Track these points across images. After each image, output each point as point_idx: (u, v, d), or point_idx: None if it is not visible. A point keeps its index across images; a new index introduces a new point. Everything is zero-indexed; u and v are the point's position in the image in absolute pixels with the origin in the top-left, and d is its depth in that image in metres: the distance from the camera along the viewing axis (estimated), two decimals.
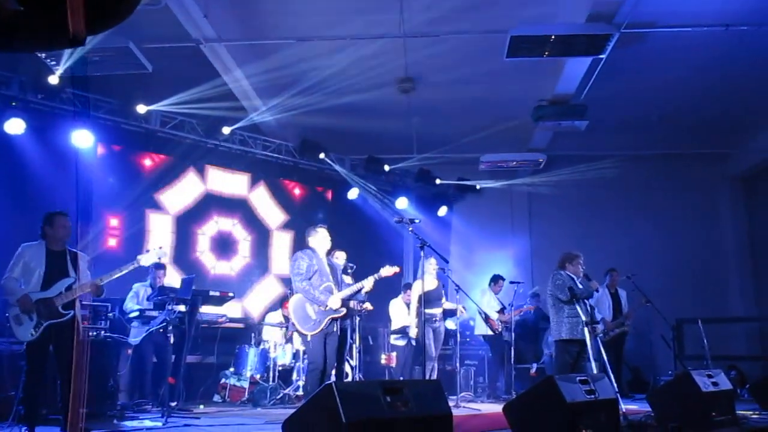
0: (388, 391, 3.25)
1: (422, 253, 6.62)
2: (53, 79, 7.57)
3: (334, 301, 5.95)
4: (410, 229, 6.66)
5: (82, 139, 7.76)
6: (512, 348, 8.59)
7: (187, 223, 9.55)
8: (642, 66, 8.62)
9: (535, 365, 9.72)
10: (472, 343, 10.01)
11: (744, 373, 9.84)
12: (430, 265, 7.56)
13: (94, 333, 6.57)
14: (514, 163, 11.21)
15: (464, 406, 7.45)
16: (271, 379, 8.06)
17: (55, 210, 5.32)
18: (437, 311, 7.60)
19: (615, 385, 5.52)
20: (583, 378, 4.26)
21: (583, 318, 6.56)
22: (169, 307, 6.57)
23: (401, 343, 8.81)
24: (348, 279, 6.89)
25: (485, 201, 12.06)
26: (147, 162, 9.21)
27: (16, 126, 7.31)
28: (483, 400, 8.80)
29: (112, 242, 8.64)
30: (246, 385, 8.10)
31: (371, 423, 3.10)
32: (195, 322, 6.78)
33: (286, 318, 8.42)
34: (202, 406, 7.49)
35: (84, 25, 1.65)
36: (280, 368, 8.25)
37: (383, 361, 9.43)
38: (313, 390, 5.36)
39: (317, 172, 10.80)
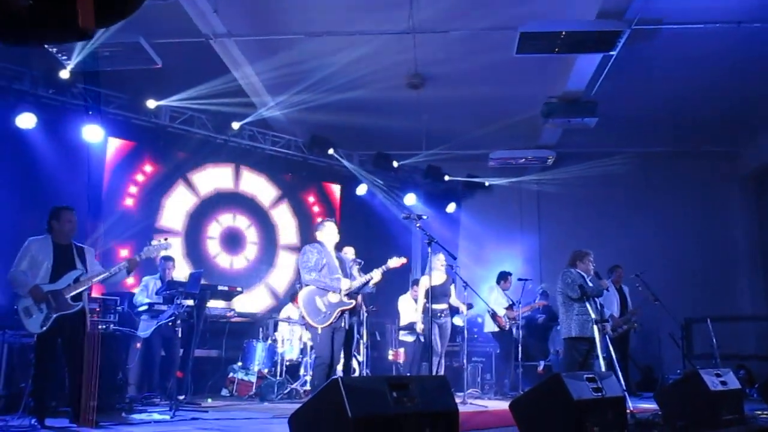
0: (395, 387, 3.25)
1: (429, 250, 6.61)
2: (64, 74, 7.61)
3: (346, 284, 6.02)
4: (418, 225, 6.65)
5: (93, 133, 7.81)
6: (519, 345, 8.56)
7: (197, 218, 9.60)
8: (653, 63, 8.56)
9: (542, 363, 9.70)
10: (479, 340, 10.01)
11: (753, 373, 9.77)
12: (438, 261, 7.56)
13: (104, 326, 6.61)
14: (523, 160, 11.16)
15: (471, 403, 7.44)
16: (278, 373, 8.09)
17: (62, 204, 5.36)
18: (443, 307, 7.60)
19: (623, 383, 5.50)
20: (590, 375, 4.24)
21: (593, 316, 6.53)
22: (178, 302, 6.60)
23: (410, 339, 8.82)
24: (356, 273, 6.90)
25: (494, 198, 12.02)
26: (156, 157, 9.24)
27: (27, 120, 7.38)
28: (490, 396, 8.78)
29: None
30: (254, 379, 8.13)
31: (377, 418, 3.09)
32: (203, 316, 6.80)
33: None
34: (210, 400, 7.52)
35: (93, 18, 1.67)
36: (288, 363, 8.27)
37: (391, 357, 9.45)
38: (320, 384, 5.37)
39: (326, 168, 10.81)
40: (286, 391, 7.88)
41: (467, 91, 9.30)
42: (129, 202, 8.87)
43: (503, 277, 9.58)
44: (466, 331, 8.16)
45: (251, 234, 10.21)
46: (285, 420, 3.34)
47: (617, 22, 7.08)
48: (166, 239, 5.81)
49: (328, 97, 8.77)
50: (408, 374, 8.19)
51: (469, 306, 8.91)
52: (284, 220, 10.63)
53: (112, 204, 8.59)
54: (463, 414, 3.71)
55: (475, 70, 8.62)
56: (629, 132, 10.87)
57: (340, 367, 6.32)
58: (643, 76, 8.94)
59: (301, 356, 8.30)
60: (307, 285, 6.06)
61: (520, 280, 9.16)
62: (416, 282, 8.71)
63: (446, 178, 11.42)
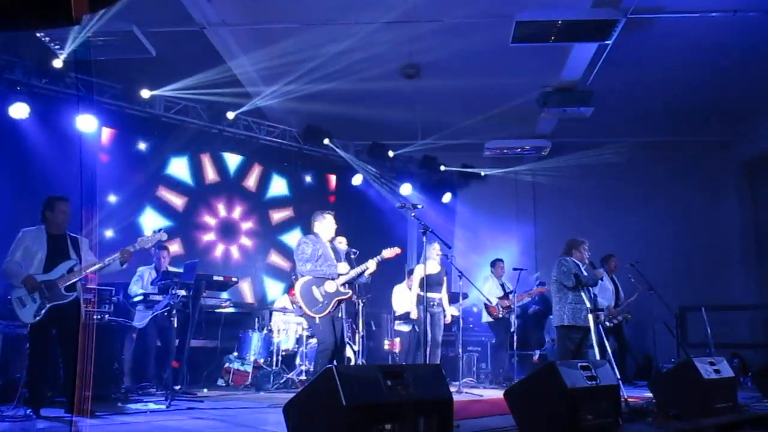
0: (389, 375, 3.26)
1: (425, 239, 6.61)
2: (57, 64, 7.56)
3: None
4: (413, 214, 6.65)
5: (86, 123, 7.77)
6: (514, 334, 8.59)
7: (192, 207, 9.58)
8: (648, 52, 8.54)
9: (537, 352, 9.74)
10: (474, 329, 10.04)
11: (747, 361, 9.82)
12: (434, 250, 7.56)
13: (99, 317, 6.60)
14: (519, 149, 11.16)
15: (466, 392, 7.48)
16: (274, 363, 8.10)
17: (55, 195, 5.33)
18: (437, 296, 7.61)
19: (617, 371, 5.53)
20: (584, 364, 4.26)
21: (588, 305, 6.55)
22: (173, 292, 6.59)
23: (405, 328, 8.84)
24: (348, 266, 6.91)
25: (490, 188, 12.03)
26: (151, 145, 9.18)
27: (20, 110, 7.33)
28: (485, 385, 8.82)
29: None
30: (249, 369, 8.15)
31: (371, 406, 3.10)
32: (198, 306, 6.79)
33: (293, 303, 8.43)
34: (205, 390, 7.53)
35: (86, 3, 1.65)
36: (284, 353, 8.28)
37: (386, 347, 9.47)
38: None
39: (321, 158, 10.78)
40: (281, 381, 7.90)
41: (462, 80, 9.27)
42: (123, 192, 8.81)
43: (494, 264, 9.59)
44: (461, 321, 8.18)
45: (246, 224, 10.19)
46: (280, 409, 3.35)
47: (613, 11, 7.06)
48: (160, 230, 5.81)
49: (322, 86, 8.73)
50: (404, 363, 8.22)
51: (464, 296, 8.94)
52: (279, 211, 10.61)
53: (105, 194, 8.55)
54: (458, 402, 3.72)
55: (470, 59, 8.59)
56: (625, 121, 10.87)
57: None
58: (639, 66, 8.92)
59: (296, 346, 8.32)
60: (303, 276, 6.06)
61: (515, 269, 9.17)
62: (412, 272, 8.71)
63: (442, 168, 11.41)
